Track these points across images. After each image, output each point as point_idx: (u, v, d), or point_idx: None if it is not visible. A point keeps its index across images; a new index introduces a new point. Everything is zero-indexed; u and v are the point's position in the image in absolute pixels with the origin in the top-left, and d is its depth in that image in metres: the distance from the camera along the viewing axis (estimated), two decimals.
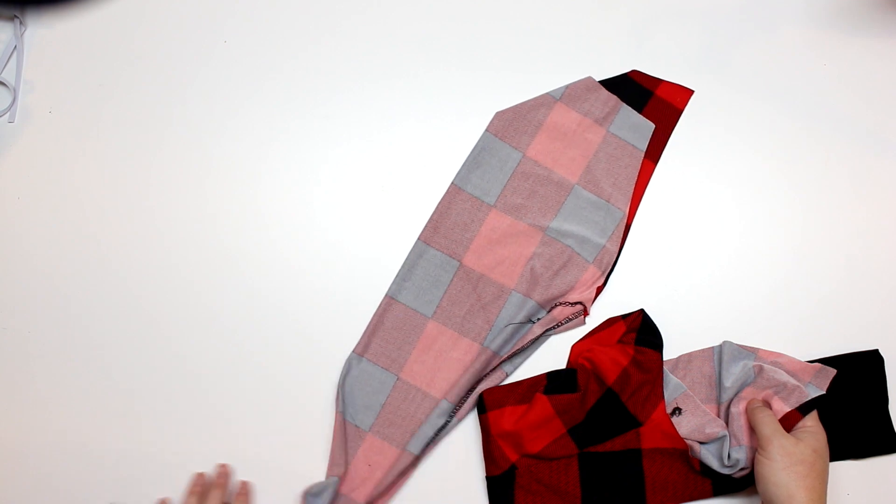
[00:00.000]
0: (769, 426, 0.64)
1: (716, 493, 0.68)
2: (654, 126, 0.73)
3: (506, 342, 0.70)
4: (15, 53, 0.77)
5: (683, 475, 0.68)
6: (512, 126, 0.73)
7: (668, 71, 0.76)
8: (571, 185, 0.72)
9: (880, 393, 0.70)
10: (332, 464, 0.67)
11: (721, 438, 0.67)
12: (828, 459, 0.64)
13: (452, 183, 0.73)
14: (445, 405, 0.68)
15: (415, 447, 0.67)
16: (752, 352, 0.70)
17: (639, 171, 0.73)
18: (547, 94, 0.73)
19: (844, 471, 0.69)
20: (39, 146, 0.75)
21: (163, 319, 0.72)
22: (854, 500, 0.69)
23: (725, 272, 0.73)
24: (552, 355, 0.71)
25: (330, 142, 0.75)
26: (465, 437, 0.70)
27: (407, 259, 0.72)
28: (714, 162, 0.75)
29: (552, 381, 0.70)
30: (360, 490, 0.67)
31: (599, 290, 0.71)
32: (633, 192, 0.73)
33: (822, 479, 0.62)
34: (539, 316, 0.70)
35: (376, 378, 0.70)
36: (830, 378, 0.68)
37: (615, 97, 0.74)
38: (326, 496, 0.65)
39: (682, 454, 0.68)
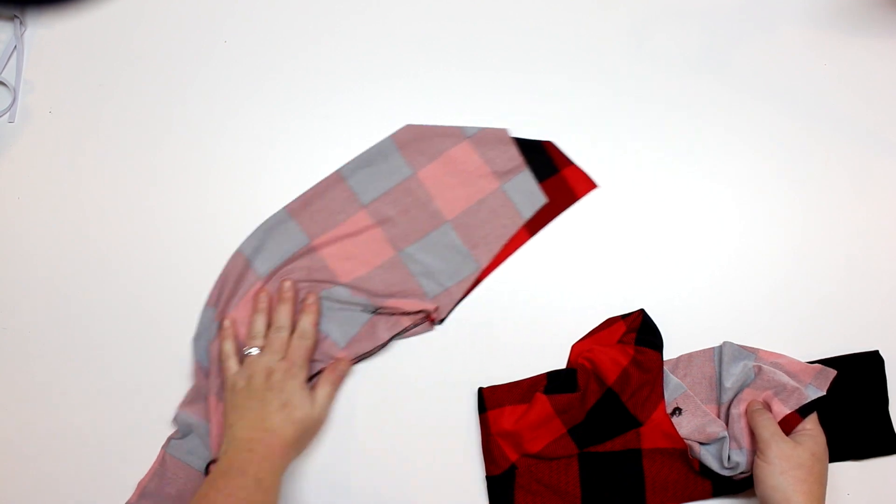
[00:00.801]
0: (768, 429, 0.64)
1: (716, 494, 0.68)
2: (546, 201, 0.73)
3: (330, 320, 0.71)
4: (15, 53, 0.77)
5: (683, 475, 0.68)
6: (415, 143, 0.73)
7: (668, 71, 0.76)
8: (444, 221, 0.72)
9: (880, 394, 0.70)
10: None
11: (721, 440, 0.67)
12: (826, 463, 0.64)
13: (338, 171, 0.73)
14: None
15: None
16: (752, 352, 0.69)
17: (512, 237, 0.72)
18: (460, 128, 0.73)
19: (845, 471, 0.69)
20: (39, 146, 0.76)
21: (162, 319, 0.72)
22: (854, 500, 0.69)
23: (725, 272, 0.73)
24: (552, 355, 0.71)
25: (330, 142, 0.75)
26: (466, 437, 0.70)
27: (266, 221, 0.72)
28: (714, 162, 0.75)
29: (552, 381, 0.70)
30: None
31: (433, 319, 0.72)
32: (497, 255, 0.72)
33: (821, 483, 0.62)
34: (373, 308, 0.71)
35: (205, 323, 0.72)
36: (830, 379, 0.68)
37: (522, 158, 0.73)
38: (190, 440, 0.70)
39: (683, 454, 0.68)
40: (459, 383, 0.71)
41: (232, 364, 0.68)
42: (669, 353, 0.71)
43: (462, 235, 0.72)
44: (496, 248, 0.72)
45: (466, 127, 0.73)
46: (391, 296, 0.71)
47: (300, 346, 0.67)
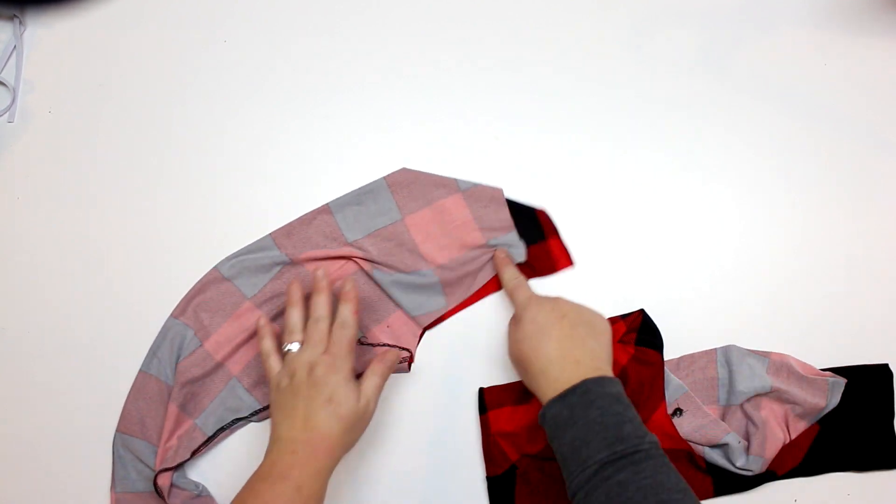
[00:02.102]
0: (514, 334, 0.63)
1: (717, 493, 0.68)
2: (524, 259, 0.72)
3: None
4: (15, 53, 0.77)
5: (684, 475, 0.68)
6: (408, 188, 0.73)
7: (669, 71, 0.76)
8: (426, 267, 0.72)
9: (887, 407, 0.69)
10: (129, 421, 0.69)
11: (724, 446, 0.67)
12: (535, 340, 0.62)
13: (327, 204, 0.73)
14: (237, 385, 0.70)
15: (207, 426, 0.69)
16: (764, 356, 0.69)
17: (485, 283, 0.72)
18: (455, 179, 0.72)
19: (845, 472, 0.69)
20: (39, 146, 0.76)
21: (162, 320, 0.72)
22: (854, 500, 0.69)
23: (726, 272, 0.73)
24: None
25: (330, 142, 0.75)
26: (465, 437, 0.70)
27: (249, 246, 0.72)
28: (714, 162, 0.75)
29: None
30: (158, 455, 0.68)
31: (421, 334, 0.71)
32: (468, 298, 0.72)
33: (534, 363, 0.61)
34: (360, 335, 0.70)
35: (185, 338, 0.71)
36: (842, 388, 0.68)
37: (511, 220, 0.72)
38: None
39: (684, 454, 0.68)
40: (459, 383, 0.71)
41: (273, 363, 0.64)
42: (670, 353, 0.70)
43: (441, 281, 0.71)
44: (468, 293, 0.72)
45: (461, 180, 0.72)
46: (366, 304, 0.71)
47: (342, 337, 0.63)
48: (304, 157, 0.75)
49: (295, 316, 0.65)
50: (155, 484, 0.67)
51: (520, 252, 0.72)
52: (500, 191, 0.72)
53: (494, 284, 0.72)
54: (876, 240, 0.73)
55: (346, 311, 0.64)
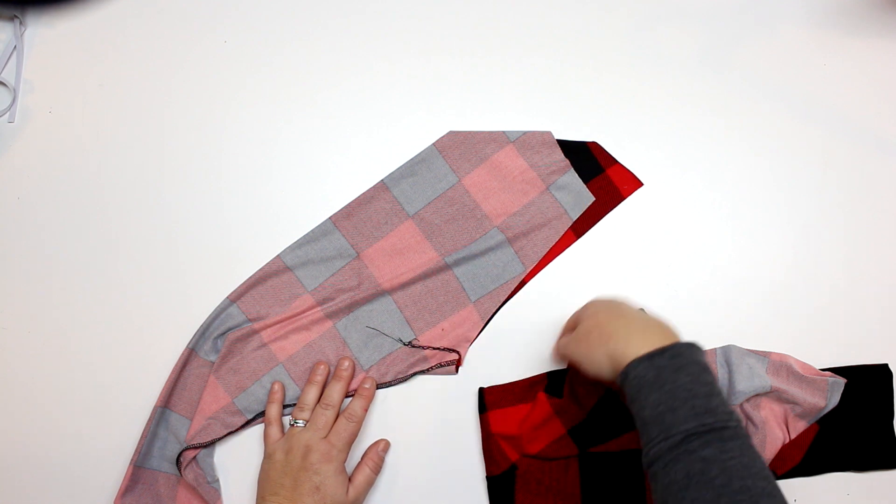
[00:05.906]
0: (567, 348, 0.63)
1: None
2: (593, 199, 0.73)
3: (364, 344, 0.71)
4: (15, 53, 0.77)
5: None
6: (458, 149, 0.73)
7: (669, 71, 0.76)
8: (491, 227, 0.72)
9: (887, 408, 0.69)
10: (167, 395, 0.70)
11: None
12: (608, 316, 0.60)
13: (382, 180, 0.73)
14: (282, 372, 0.70)
15: (245, 406, 0.69)
16: (763, 356, 0.69)
17: (559, 239, 0.72)
18: (503, 132, 0.73)
19: (845, 471, 0.69)
20: (39, 146, 0.76)
21: (163, 321, 0.72)
22: (853, 500, 0.69)
23: (726, 273, 0.73)
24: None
25: (332, 140, 0.75)
26: (465, 437, 0.70)
27: (311, 232, 0.72)
28: (713, 161, 0.75)
29: (552, 381, 0.70)
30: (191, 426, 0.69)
31: (471, 340, 0.72)
32: (544, 257, 0.72)
33: (602, 333, 0.59)
34: (406, 339, 0.71)
35: (236, 322, 0.71)
36: (842, 389, 0.68)
37: (567, 161, 0.73)
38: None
39: None
40: (459, 383, 0.71)
41: (273, 431, 0.67)
42: None
43: (510, 237, 0.72)
44: (542, 251, 0.72)
45: (509, 131, 0.73)
46: (434, 301, 0.71)
47: (345, 429, 0.66)
48: (305, 155, 0.75)
49: (310, 395, 0.68)
50: (179, 455, 0.67)
51: (583, 194, 0.72)
52: (549, 133, 0.73)
53: (566, 241, 0.72)
54: (876, 240, 0.73)
55: (357, 406, 0.68)
